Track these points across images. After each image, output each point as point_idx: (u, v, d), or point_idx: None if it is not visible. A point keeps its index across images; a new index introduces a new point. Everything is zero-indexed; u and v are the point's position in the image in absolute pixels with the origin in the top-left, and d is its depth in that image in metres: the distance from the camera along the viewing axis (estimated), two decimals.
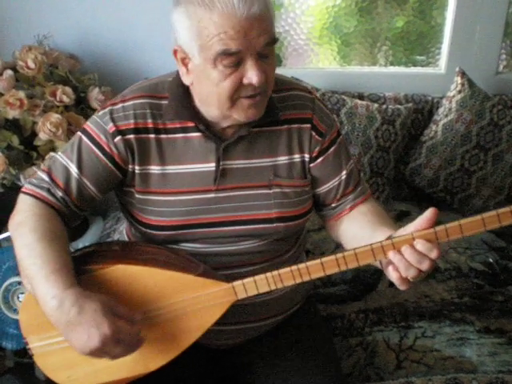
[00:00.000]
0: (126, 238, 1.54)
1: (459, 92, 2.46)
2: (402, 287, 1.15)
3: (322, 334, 1.55)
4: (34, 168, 2.07)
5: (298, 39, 2.64)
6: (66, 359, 1.17)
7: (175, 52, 1.24)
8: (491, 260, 2.10)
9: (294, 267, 1.16)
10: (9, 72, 2.13)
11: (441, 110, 2.49)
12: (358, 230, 1.36)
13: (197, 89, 1.27)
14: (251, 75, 1.17)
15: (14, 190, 2.08)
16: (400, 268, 1.12)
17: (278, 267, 1.37)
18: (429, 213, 1.11)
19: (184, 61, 1.23)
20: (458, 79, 2.48)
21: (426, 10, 2.62)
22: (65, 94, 2.12)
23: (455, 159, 2.44)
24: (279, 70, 2.69)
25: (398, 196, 2.57)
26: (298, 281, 1.17)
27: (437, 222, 1.10)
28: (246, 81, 1.18)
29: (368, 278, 1.97)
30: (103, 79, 2.39)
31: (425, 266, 1.10)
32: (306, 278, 1.17)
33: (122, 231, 1.63)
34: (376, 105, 2.44)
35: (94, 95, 2.22)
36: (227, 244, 1.36)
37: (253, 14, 1.12)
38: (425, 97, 2.59)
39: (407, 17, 2.63)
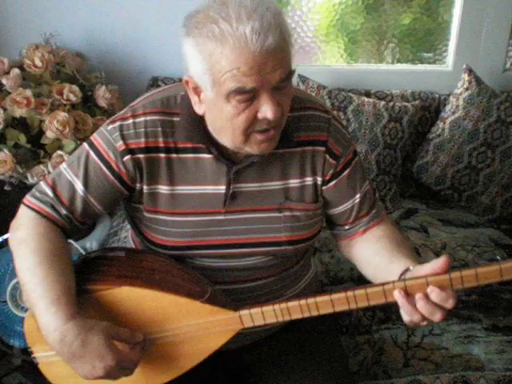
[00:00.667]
0: (132, 243, 1.53)
1: (466, 89, 2.45)
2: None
3: (329, 333, 1.54)
4: (41, 166, 2.07)
5: (304, 37, 2.64)
6: (71, 370, 1.16)
7: (186, 82, 1.19)
8: (498, 258, 2.10)
9: (302, 301, 1.13)
10: (16, 71, 2.13)
11: (448, 108, 2.49)
12: (373, 256, 1.32)
13: (210, 119, 1.22)
14: (265, 110, 1.11)
15: (21, 188, 2.09)
16: (413, 319, 1.08)
17: (284, 281, 1.37)
18: (442, 261, 1.06)
19: (196, 90, 1.19)
20: (465, 76, 2.47)
21: (433, 7, 2.62)
22: (72, 93, 2.12)
23: (462, 156, 2.43)
24: None
25: (405, 193, 2.57)
26: (306, 315, 1.14)
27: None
28: (260, 115, 1.13)
29: None
30: (110, 77, 2.39)
31: (437, 317, 1.06)
32: (315, 313, 1.14)
33: (128, 229, 1.62)
34: (383, 102, 2.43)
35: (101, 93, 2.22)
36: (234, 260, 1.34)
37: (267, 48, 1.05)
38: (432, 94, 2.58)
39: (414, 14, 2.63)
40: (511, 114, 2.43)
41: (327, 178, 1.34)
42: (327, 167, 1.33)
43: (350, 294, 1.11)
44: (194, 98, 1.21)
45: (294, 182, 1.32)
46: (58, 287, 1.15)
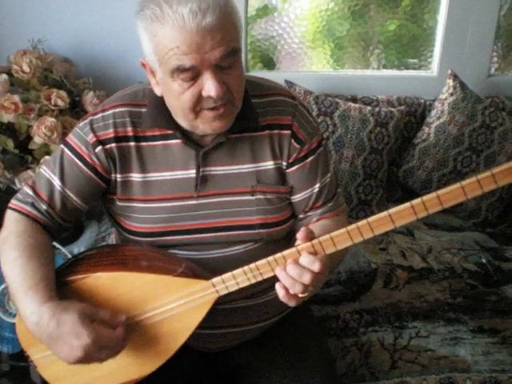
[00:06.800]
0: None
1: (451, 94, 2.48)
2: (290, 303, 1.12)
3: (316, 335, 1.54)
4: (29, 172, 2.07)
5: (291, 43, 2.66)
6: (68, 368, 1.16)
7: (144, 65, 1.24)
8: (484, 261, 2.12)
9: (270, 258, 1.13)
10: (3, 76, 2.14)
11: (433, 113, 2.51)
12: None
13: (165, 99, 1.26)
14: (209, 88, 1.14)
15: (9, 193, 2.09)
16: (287, 284, 1.10)
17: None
18: (302, 233, 1.10)
19: (152, 72, 1.23)
20: (450, 82, 2.50)
21: (418, 13, 2.65)
22: (59, 98, 2.13)
23: (448, 161, 2.46)
24: (273, 74, 2.71)
25: (392, 198, 2.58)
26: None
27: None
28: (204, 93, 1.16)
29: (362, 279, 1.99)
30: (98, 83, 2.39)
31: (306, 279, 1.07)
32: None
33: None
34: (369, 107, 2.45)
35: (89, 99, 2.23)
36: (215, 250, 1.35)
37: (205, 26, 1.09)
38: (417, 99, 2.60)
39: (399, 20, 2.65)
40: (495, 118, 2.45)
41: (291, 161, 1.36)
42: (292, 151, 1.35)
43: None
44: (152, 81, 1.25)
45: (264, 165, 1.34)
46: (37, 276, 1.17)
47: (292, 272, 1.08)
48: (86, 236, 2.34)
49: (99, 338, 1.12)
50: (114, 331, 1.15)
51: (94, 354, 1.12)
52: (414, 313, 1.86)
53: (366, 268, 2.03)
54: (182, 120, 1.25)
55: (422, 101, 2.60)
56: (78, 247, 2.24)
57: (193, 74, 1.14)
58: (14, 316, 1.78)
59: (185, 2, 1.09)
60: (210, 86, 1.14)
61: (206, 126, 1.22)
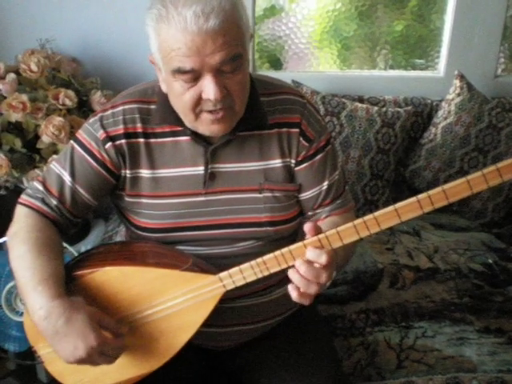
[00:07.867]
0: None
1: (458, 95, 2.48)
2: (305, 303, 1.12)
3: (322, 334, 1.54)
4: (37, 171, 2.08)
5: (298, 43, 2.67)
6: (75, 365, 1.18)
7: (152, 62, 1.25)
8: (490, 261, 2.11)
9: (277, 252, 1.13)
10: (12, 75, 2.15)
11: (440, 113, 2.51)
12: None
13: (169, 97, 1.26)
14: (208, 91, 1.15)
15: (17, 192, 2.09)
16: (301, 286, 1.09)
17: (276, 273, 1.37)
18: (308, 228, 1.09)
19: (160, 70, 1.24)
20: (457, 82, 2.50)
21: (425, 13, 2.65)
22: (67, 98, 2.14)
23: (454, 161, 2.46)
24: (280, 74, 2.72)
25: (398, 198, 2.52)
26: (284, 266, 1.15)
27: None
28: (204, 96, 1.17)
29: (368, 279, 1.99)
30: (105, 83, 2.41)
31: (323, 278, 1.08)
32: (291, 263, 1.14)
33: (122, 232, 1.64)
34: (376, 108, 2.45)
35: (97, 98, 2.24)
36: (222, 246, 1.36)
37: (206, 29, 1.09)
38: (424, 100, 2.61)
39: (406, 21, 2.65)
40: (502, 119, 2.45)
41: (299, 159, 1.36)
42: (300, 149, 1.36)
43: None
44: (160, 77, 1.26)
45: (273, 163, 1.35)
46: (46, 270, 1.18)
47: (307, 273, 1.08)
48: (92, 235, 2.34)
49: (103, 344, 1.13)
50: (117, 340, 1.17)
51: (94, 358, 1.14)
52: (421, 313, 1.86)
53: (373, 268, 2.03)
54: (184, 119, 1.25)
55: (429, 101, 2.60)
56: (85, 246, 2.25)
57: (193, 76, 1.15)
58: (21, 314, 1.78)
59: (190, 4, 1.10)
60: (209, 89, 1.15)
61: (204, 128, 1.24)
